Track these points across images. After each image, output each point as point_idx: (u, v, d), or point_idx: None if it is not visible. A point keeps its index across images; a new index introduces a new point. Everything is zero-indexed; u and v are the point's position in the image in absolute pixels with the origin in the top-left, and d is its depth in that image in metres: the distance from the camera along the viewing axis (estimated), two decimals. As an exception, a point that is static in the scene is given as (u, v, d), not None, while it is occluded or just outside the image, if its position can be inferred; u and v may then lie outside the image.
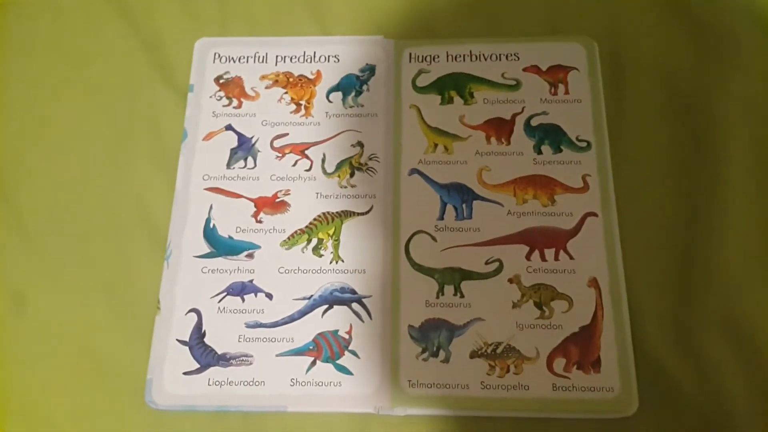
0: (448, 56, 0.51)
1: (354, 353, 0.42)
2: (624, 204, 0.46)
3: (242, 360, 0.42)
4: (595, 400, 0.41)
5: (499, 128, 0.48)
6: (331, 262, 0.45)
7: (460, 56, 0.51)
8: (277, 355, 0.42)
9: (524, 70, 0.50)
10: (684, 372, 0.42)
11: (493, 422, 0.41)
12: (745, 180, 0.47)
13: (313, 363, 0.42)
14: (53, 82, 0.50)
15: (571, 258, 0.45)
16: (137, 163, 0.48)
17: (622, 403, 0.41)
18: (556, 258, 0.45)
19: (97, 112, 0.49)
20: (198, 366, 0.42)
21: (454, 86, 0.50)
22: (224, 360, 0.42)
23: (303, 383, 0.42)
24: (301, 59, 0.51)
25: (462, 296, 0.44)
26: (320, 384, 0.42)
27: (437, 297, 0.44)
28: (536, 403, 0.41)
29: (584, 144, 0.48)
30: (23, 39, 0.51)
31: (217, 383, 0.42)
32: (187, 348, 0.42)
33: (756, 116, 0.48)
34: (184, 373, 0.42)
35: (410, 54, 0.51)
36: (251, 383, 0.42)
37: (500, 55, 0.51)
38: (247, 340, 0.43)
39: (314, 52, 0.51)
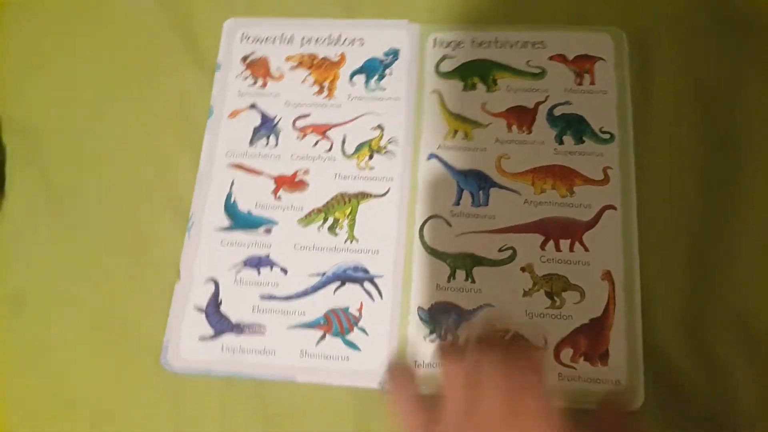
0: (473, 42, 0.51)
1: (363, 330, 0.43)
2: (644, 198, 0.46)
3: (255, 329, 0.43)
4: (600, 392, 0.41)
5: (521, 116, 0.48)
6: (345, 241, 0.45)
7: (485, 42, 0.51)
8: (288, 328, 0.44)
9: (550, 58, 0.50)
10: (693, 369, 0.42)
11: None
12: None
13: (323, 337, 0.43)
14: (88, 56, 0.52)
15: (586, 250, 0.45)
16: (165, 137, 0.49)
17: (628, 395, 0.41)
18: (571, 249, 0.45)
19: (128, 88, 0.51)
20: (213, 332, 0.44)
21: (477, 73, 0.50)
22: (238, 329, 0.44)
23: (312, 355, 0.43)
24: (326, 41, 0.51)
25: (473, 282, 0.44)
26: (328, 357, 0.43)
27: (448, 281, 0.44)
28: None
29: (607, 136, 0.47)
30: (60, 16, 0.53)
31: (230, 350, 0.43)
32: (203, 315, 0.44)
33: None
34: (200, 339, 0.44)
35: (435, 39, 0.51)
36: (262, 352, 0.43)
37: (526, 42, 0.50)
38: (261, 311, 0.44)
39: (339, 35, 0.51)
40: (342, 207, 0.46)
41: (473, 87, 0.49)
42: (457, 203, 0.46)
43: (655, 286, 0.44)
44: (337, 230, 0.46)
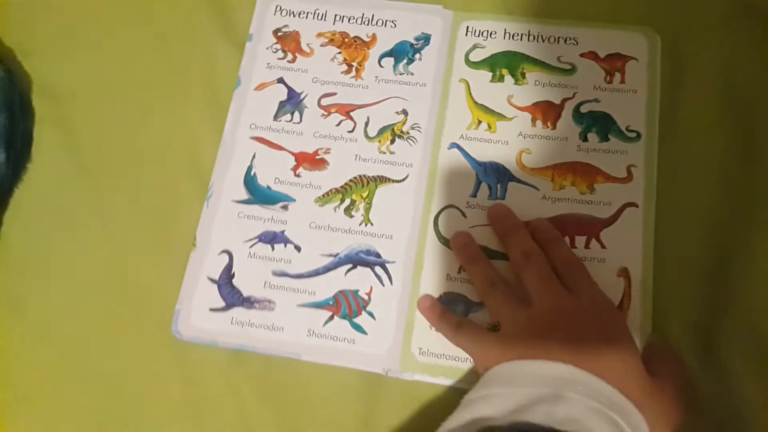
0: (505, 33, 0.50)
1: (371, 314, 0.44)
2: (665, 199, 0.45)
3: (265, 305, 0.44)
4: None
5: (547, 111, 0.48)
6: (360, 224, 0.46)
7: (517, 35, 0.50)
8: (298, 306, 0.44)
9: (581, 55, 0.49)
10: (700, 377, 0.42)
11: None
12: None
13: (331, 318, 0.44)
14: (119, 23, 0.52)
15: (603, 247, 0.44)
16: (192, 105, 0.50)
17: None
18: (587, 246, 0.44)
19: (158, 54, 0.51)
20: (224, 304, 0.44)
21: (506, 64, 0.49)
22: (248, 302, 0.44)
23: (319, 335, 0.43)
24: (359, 21, 0.51)
25: None
26: (335, 338, 0.43)
27: (459, 272, 0.45)
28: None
29: (634, 134, 0.47)
30: None
31: (239, 323, 0.44)
32: (215, 286, 0.45)
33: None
34: (210, 309, 0.44)
35: (467, 27, 0.50)
36: (271, 328, 0.44)
37: (558, 37, 0.50)
38: (272, 287, 0.45)
39: (372, 15, 0.51)
40: (360, 189, 0.46)
41: (501, 79, 0.49)
42: (474, 195, 0.46)
43: (670, 290, 0.44)
44: (353, 212, 0.46)
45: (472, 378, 0.42)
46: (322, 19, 0.51)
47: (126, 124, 0.49)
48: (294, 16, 0.52)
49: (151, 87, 0.50)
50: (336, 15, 0.51)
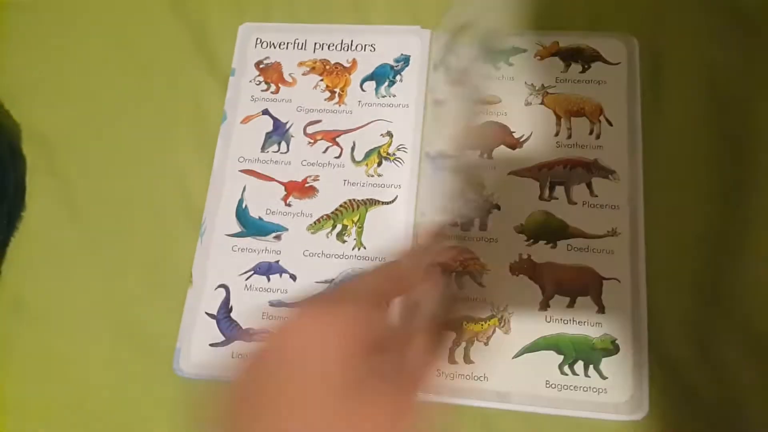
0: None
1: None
2: (652, 200, 0.46)
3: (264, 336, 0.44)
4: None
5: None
6: (353, 249, 0.46)
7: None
8: (297, 334, 0.44)
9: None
10: (699, 380, 0.42)
11: (502, 416, 0.42)
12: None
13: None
14: (103, 64, 0.53)
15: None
16: (179, 143, 0.50)
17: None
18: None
19: (143, 94, 0.52)
20: (223, 339, 0.45)
21: None
22: (248, 335, 0.44)
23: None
24: (339, 47, 0.52)
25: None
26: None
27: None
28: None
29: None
30: (76, 21, 0.54)
31: (240, 356, 0.44)
32: (214, 321, 0.45)
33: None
34: (210, 345, 0.45)
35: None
36: None
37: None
38: (271, 317, 0.45)
39: (351, 41, 0.52)
40: (350, 214, 0.47)
41: None
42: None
43: (664, 296, 0.44)
44: (346, 237, 0.46)
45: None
46: (302, 48, 0.52)
47: (116, 167, 0.50)
48: (275, 47, 0.52)
49: (138, 127, 0.51)
50: (316, 43, 0.52)
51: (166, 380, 0.44)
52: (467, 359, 0.43)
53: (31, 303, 0.47)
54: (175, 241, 0.47)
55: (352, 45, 0.52)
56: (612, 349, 0.43)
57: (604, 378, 0.42)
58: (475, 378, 0.43)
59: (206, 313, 0.45)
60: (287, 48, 0.52)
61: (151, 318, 0.46)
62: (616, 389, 0.42)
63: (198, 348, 0.45)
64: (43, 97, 0.52)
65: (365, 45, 0.52)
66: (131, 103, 0.51)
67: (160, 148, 0.50)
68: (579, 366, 0.43)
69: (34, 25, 0.54)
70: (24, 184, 0.49)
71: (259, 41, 0.53)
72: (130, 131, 0.51)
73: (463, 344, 0.43)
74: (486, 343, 0.43)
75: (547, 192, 0.47)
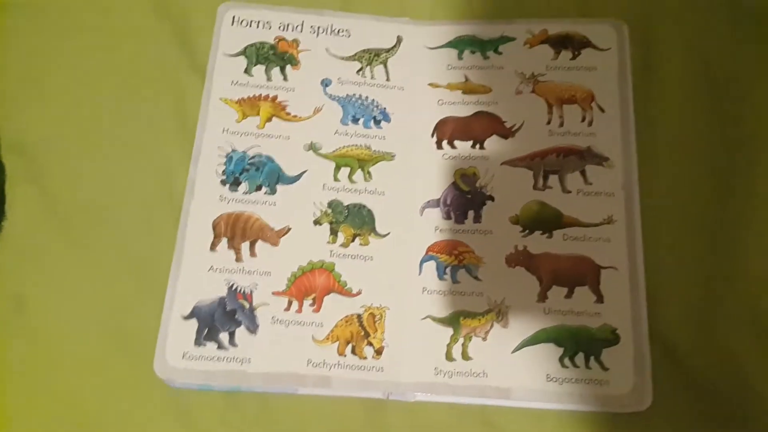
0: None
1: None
2: (648, 189, 0.45)
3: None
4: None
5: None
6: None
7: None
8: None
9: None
10: (704, 366, 0.41)
11: (503, 413, 0.41)
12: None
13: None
14: (82, 64, 0.51)
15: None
16: (162, 143, 0.48)
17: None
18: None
19: (124, 94, 0.50)
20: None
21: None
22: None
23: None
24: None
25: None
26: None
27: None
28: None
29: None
30: (52, 23, 0.52)
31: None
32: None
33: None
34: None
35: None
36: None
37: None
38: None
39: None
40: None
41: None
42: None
43: (664, 282, 0.43)
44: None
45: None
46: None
47: (98, 171, 0.48)
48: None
49: (120, 129, 0.49)
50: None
51: (152, 386, 0.42)
52: (465, 356, 0.42)
53: (16, 315, 0.45)
54: (160, 242, 0.45)
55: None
56: (612, 338, 0.42)
57: (605, 369, 0.41)
58: (474, 375, 0.42)
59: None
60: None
61: (137, 322, 0.43)
62: (618, 380, 0.41)
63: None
64: (20, 102, 0.50)
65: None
66: (112, 106, 0.49)
67: (143, 149, 0.48)
68: (580, 358, 0.42)
69: (8, 29, 0.52)
70: (4, 194, 0.47)
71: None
72: (111, 133, 0.49)
73: (461, 340, 0.42)
74: (484, 339, 0.42)
75: (541, 181, 0.46)
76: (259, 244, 0.44)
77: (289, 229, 0.45)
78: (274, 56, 0.49)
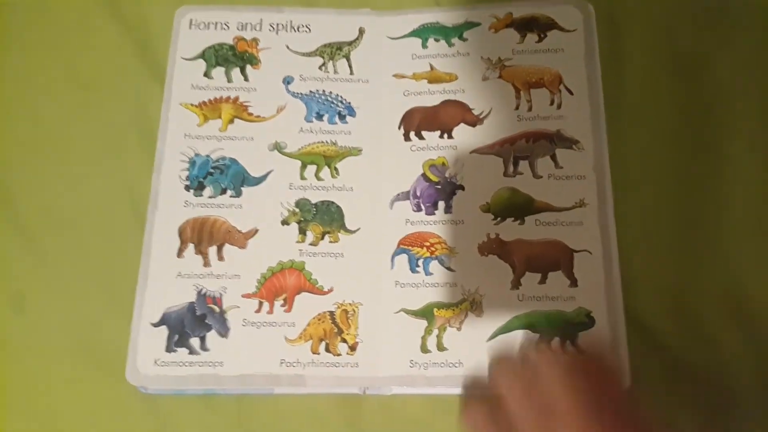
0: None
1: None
2: (619, 171, 0.44)
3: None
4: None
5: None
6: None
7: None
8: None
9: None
10: (680, 347, 0.41)
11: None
12: (749, 144, 0.45)
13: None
14: (44, 77, 0.50)
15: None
16: (126, 153, 0.47)
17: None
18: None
19: (85, 105, 0.49)
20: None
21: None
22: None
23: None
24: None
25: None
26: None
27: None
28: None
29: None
30: (15, 36, 0.51)
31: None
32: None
33: (760, 78, 0.45)
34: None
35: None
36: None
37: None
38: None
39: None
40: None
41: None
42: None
43: (638, 264, 0.43)
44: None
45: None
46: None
47: (60, 182, 0.47)
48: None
49: (82, 140, 0.48)
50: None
51: (127, 394, 0.42)
52: (440, 347, 0.42)
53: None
54: (126, 251, 0.45)
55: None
56: (587, 322, 0.41)
57: (582, 353, 0.41)
58: (450, 365, 0.41)
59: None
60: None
61: (107, 331, 0.43)
62: (595, 363, 0.41)
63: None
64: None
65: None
66: (72, 117, 0.49)
67: (105, 158, 0.47)
68: (556, 343, 0.41)
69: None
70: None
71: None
72: (72, 145, 0.48)
73: (435, 332, 0.42)
74: (459, 329, 0.42)
75: (511, 168, 0.45)
76: (227, 247, 0.44)
77: (257, 231, 0.44)
78: (233, 57, 0.48)
